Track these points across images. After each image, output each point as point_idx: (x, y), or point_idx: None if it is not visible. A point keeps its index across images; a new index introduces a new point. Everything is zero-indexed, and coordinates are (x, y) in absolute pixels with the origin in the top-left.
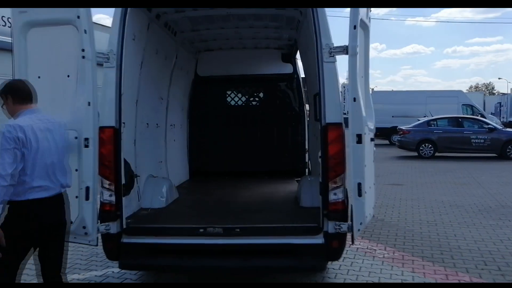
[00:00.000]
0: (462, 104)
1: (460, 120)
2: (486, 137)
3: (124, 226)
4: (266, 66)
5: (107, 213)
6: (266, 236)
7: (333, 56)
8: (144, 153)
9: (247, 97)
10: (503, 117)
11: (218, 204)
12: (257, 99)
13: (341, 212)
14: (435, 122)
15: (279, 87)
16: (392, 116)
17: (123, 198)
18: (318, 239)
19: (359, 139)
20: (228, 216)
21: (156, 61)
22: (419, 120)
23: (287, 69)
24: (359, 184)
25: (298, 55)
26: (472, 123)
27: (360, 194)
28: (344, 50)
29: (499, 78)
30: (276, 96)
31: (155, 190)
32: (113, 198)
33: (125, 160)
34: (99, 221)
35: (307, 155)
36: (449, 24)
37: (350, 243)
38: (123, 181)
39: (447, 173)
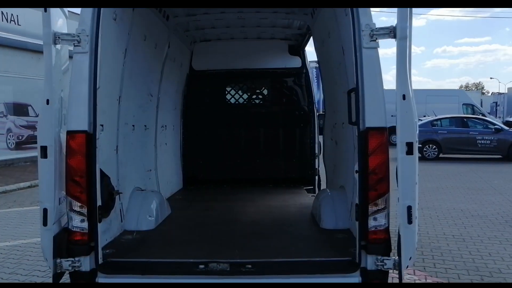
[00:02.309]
0: (463, 104)
1: (465, 120)
2: (492, 138)
3: (101, 261)
4: (271, 59)
5: (77, 244)
6: (286, 274)
7: (376, 40)
8: (129, 161)
9: (249, 94)
10: (499, 117)
11: (219, 224)
12: (260, 96)
13: (384, 243)
14: (439, 122)
15: (285, 83)
16: (392, 116)
17: (100, 224)
18: (354, 278)
19: (410, 149)
20: (234, 244)
21: (144, 49)
22: (421, 120)
23: (295, 62)
24: (409, 208)
25: (307, 47)
26: (478, 123)
27: (410, 221)
28: (390, 32)
29: (491, 78)
30: (282, 94)
31: (142, 207)
32: (85, 225)
33: (102, 173)
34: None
35: (317, 160)
36: (439, 24)
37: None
38: (99, 202)
39: (456, 177)
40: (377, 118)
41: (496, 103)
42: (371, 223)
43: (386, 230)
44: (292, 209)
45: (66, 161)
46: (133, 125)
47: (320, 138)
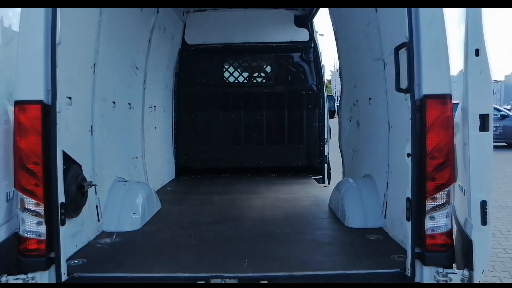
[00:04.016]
0: None
1: None
2: (497, 125)
3: (64, 277)
4: (274, 32)
5: (31, 256)
6: None
7: None
8: (109, 146)
9: (250, 72)
10: (496, 104)
11: (220, 223)
12: (262, 74)
13: (447, 250)
14: None
15: (291, 59)
16: None
17: (64, 227)
18: None
19: (485, 123)
20: (242, 250)
21: (127, 10)
22: None
23: (302, 36)
24: (484, 204)
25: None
26: None
27: (485, 221)
28: None
29: None
30: (287, 71)
31: (125, 202)
32: (42, 229)
33: (70, 160)
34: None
35: (326, 146)
36: None
37: None
38: (61, 198)
39: None
40: (439, 82)
41: (493, 90)
42: (428, 223)
43: (449, 233)
44: (305, 202)
45: (15, 142)
46: (114, 102)
47: (330, 121)
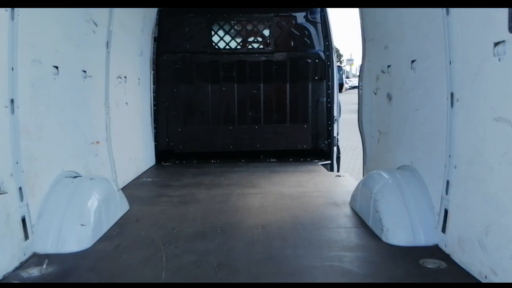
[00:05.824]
0: None
1: None
2: None
3: None
4: None
5: None
6: None
7: None
8: (50, 128)
9: (244, 36)
10: None
11: (205, 238)
12: (259, 39)
13: None
14: None
15: (294, 20)
16: None
17: None
18: None
19: None
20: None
21: None
22: None
23: None
24: None
25: None
26: None
27: None
28: None
29: None
30: (289, 35)
31: (69, 208)
32: None
33: None
34: None
35: (335, 126)
36: None
37: None
38: None
39: None
40: None
41: None
42: None
43: None
44: (318, 200)
45: None
46: (56, 67)
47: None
